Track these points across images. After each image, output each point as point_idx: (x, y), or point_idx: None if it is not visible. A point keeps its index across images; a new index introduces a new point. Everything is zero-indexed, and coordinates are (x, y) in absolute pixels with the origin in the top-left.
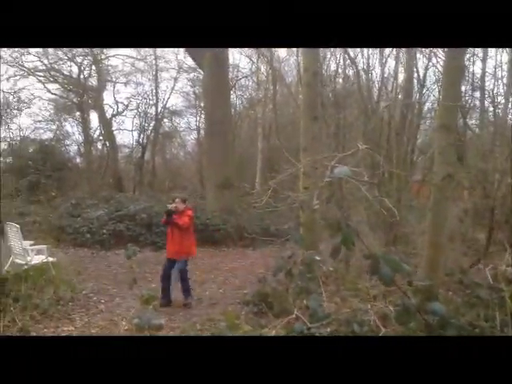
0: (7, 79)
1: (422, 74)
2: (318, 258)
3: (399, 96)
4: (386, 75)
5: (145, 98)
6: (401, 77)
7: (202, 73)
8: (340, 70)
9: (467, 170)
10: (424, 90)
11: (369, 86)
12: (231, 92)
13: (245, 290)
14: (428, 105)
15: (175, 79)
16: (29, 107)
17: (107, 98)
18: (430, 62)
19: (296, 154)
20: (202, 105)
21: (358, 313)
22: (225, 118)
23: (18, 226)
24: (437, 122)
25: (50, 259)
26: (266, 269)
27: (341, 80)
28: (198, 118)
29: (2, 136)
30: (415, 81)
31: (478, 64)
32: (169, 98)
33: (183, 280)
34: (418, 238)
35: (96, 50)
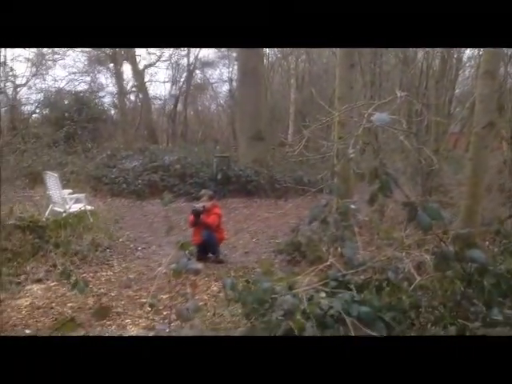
0: None
1: None
2: (353, 206)
3: None
4: None
5: (177, 49)
6: None
7: None
8: None
9: (507, 119)
10: None
11: None
12: None
13: (278, 240)
14: (468, 53)
15: None
16: (63, 59)
17: (140, 48)
18: None
19: (330, 105)
20: (235, 55)
21: (392, 261)
22: (257, 68)
23: (56, 174)
24: (481, 68)
25: (88, 207)
26: (298, 219)
27: None
28: (231, 69)
29: (39, 87)
30: None
31: None
32: (201, 49)
33: (214, 247)
34: (455, 188)
35: None
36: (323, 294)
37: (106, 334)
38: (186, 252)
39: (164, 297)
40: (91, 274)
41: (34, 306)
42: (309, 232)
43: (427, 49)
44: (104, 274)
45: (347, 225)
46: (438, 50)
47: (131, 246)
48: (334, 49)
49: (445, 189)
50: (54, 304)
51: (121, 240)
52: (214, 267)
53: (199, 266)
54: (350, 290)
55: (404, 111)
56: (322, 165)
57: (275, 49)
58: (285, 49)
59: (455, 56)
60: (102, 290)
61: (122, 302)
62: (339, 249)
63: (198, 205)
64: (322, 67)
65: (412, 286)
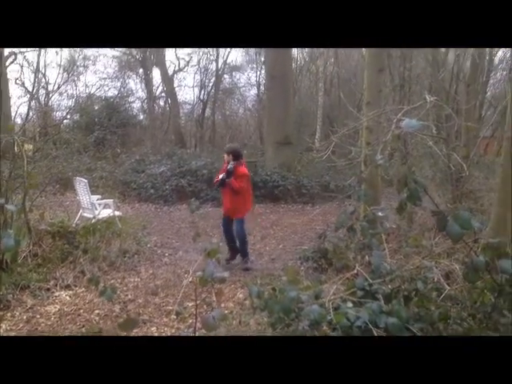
0: None
1: None
2: (381, 214)
3: None
4: None
5: (205, 54)
6: None
7: None
8: None
9: None
10: None
11: None
12: None
13: (304, 246)
14: (500, 55)
15: None
16: (94, 64)
17: (169, 54)
18: None
19: (358, 109)
20: (263, 59)
21: (421, 270)
22: (285, 72)
23: (86, 180)
24: None
25: (117, 213)
26: (325, 225)
27: None
28: (258, 73)
29: (70, 93)
30: None
31: None
32: (229, 53)
33: (241, 243)
34: (485, 194)
35: None
36: (350, 304)
37: None
38: (213, 259)
39: (190, 304)
40: (119, 280)
41: (63, 312)
42: (335, 239)
43: (458, 51)
44: (131, 280)
45: (375, 232)
46: (469, 52)
47: (158, 251)
48: (363, 52)
49: (475, 195)
50: (81, 311)
51: (148, 246)
52: (241, 274)
53: (225, 274)
54: (378, 299)
55: (433, 116)
56: (349, 171)
57: (304, 52)
58: (313, 52)
59: (487, 58)
60: (129, 297)
61: (149, 310)
62: (367, 257)
63: (229, 166)
64: (351, 70)
65: (441, 297)
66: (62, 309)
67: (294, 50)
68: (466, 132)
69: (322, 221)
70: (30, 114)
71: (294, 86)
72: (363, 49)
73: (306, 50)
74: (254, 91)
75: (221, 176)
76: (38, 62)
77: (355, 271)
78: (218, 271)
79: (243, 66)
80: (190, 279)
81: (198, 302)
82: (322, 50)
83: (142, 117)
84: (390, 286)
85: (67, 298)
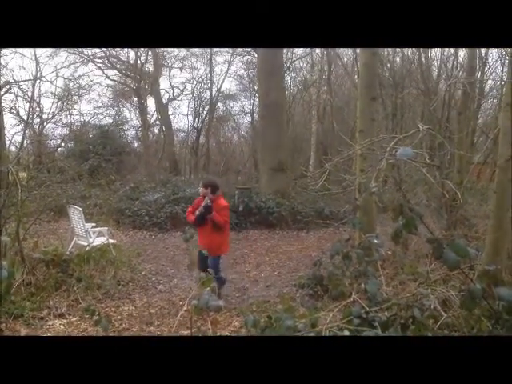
0: (68, 66)
1: (483, 51)
2: (376, 241)
3: (460, 73)
4: (445, 53)
5: (199, 83)
6: (461, 54)
7: (256, 55)
8: (398, 49)
9: None
10: (486, 68)
11: (428, 65)
12: (285, 74)
13: (299, 273)
14: (490, 83)
15: (229, 63)
16: (88, 93)
17: (163, 83)
18: None
19: (351, 137)
20: (256, 88)
21: (418, 297)
22: (279, 100)
23: (80, 208)
24: (504, 99)
25: (111, 241)
26: (320, 251)
27: (398, 59)
28: (252, 102)
29: (65, 122)
30: (477, 59)
31: None
32: (223, 82)
33: (217, 278)
34: (479, 221)
35: None
36: (347, 332)
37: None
38: (207, 289)
39: (185, 333)
40: (113, 309)
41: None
42: (331, 266)
43: (449, 81)
44: (126, 308)
45: (370, 260)
46: (460, 81)
47: (153, 279)
48: (355, 81)
49: (469, 222)
50: None
51: (143, 273)
52: (236, 302)
53: (220, 302)
54: (375, 327)
55: (426, 143)
56: (343, 197)
57: (296, 80)
58: (306, 81)
59: (477, 86)
60: (124, 326)
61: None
62: (363, 284)
63: (207, 200)
64: (343, 99)
65: (438, 324)
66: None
67: (287, 79)
68: (459, 159)
69: (317, 247)
70: (25, 142)
71: (287, 114)
72: (356, 77)
73: (299, 78)
74: (247, 119)
75: (198, 211)
76: (32, 92)
77: (351, 299)
78: (213, 300)
79: (237, 95)
80: (185, 308)
81: (193, 330)
82: (314, 78)
83: (136, 144)
84: (386, 314)
85: (61, 326)
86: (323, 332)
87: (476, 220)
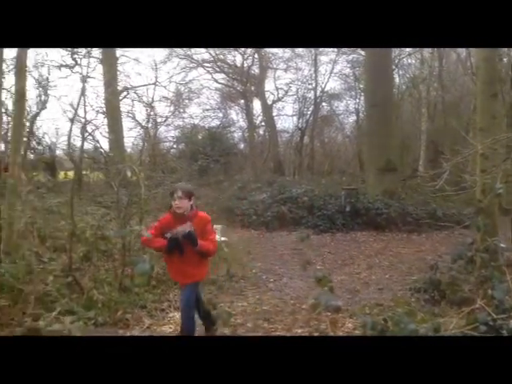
0: (179, 72)
1: None
2: (502, 245)
3: None
4: None
5: (304, 83)
6: None
7: (363, 54)
8: None
9: None
10: None
11: None
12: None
13: (413, 277)
14: None
15: (334, 62)
16: (198, 97)
17: (268, 84)
18: None
19: (466, 135)
20: (362, 87)
21: None
22: (386, 98)
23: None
24: None
25: (223, 238)
26: (435, 255)
27: None
28: (357, 101)
29: (176, 124)
30: None
31: None
32: (327, 82)
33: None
34: None
35: None
36: None
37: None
38: (325, 288)
39: (299, 331)
40: (228, 304)
41: (177, 332)
42: (453, 271)
43: None
44: (239, 304)
45: (496, 264)
46: None
47: (263, 277)
48: (473, 77)
49: None
50: None
51: (254, 271)
52: (347, 302)
53: (339, 303)
54: (502, 335)
55: None
56: (456, 197)
57: (405, 77)
58: (415, 78)
59: None
60: (239, 321)
61: (258, 334)
62: (489, 290)
63: (184, 226)
64: (456, 95)
65: None
66: (176, 329)
67: (395, 76)
68: None
69: (430, 250)
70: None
71: (395, 112)
72: (469, 72)
73: (407, 75)
74: (352, 118)
75: (170, 235)
76: (152, 97)
77: (476, 305)
78: (332, 299)
79: (341, 94)
80: (303, 306)
81: (309, 328)
82: (424, 74)
83: (242, 145)
84: None
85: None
86: None
87: None
